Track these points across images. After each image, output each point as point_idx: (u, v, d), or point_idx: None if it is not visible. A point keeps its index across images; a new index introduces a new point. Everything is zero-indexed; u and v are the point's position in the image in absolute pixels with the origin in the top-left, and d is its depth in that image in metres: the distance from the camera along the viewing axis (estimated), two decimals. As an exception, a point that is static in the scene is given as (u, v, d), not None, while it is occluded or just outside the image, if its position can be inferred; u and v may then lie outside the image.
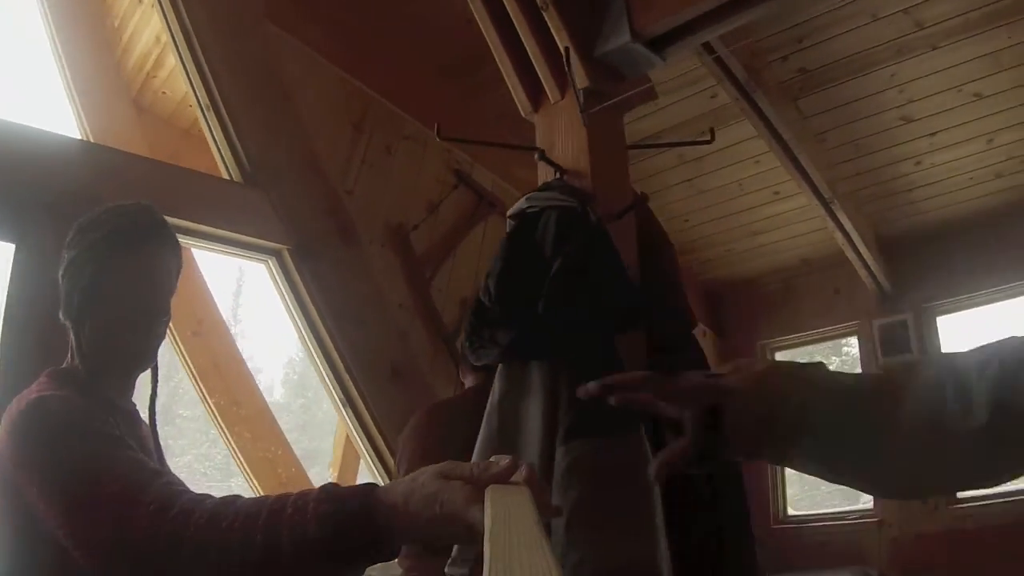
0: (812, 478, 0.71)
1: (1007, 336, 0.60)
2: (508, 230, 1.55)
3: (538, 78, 1.76)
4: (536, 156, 1.69)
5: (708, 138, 1.89)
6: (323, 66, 2.77)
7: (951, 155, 3.63)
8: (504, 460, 0.68)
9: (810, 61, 3.25)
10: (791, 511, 4.55)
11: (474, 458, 1.39)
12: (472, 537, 0.64)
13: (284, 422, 2.60)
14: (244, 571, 0.71)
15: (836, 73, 3.28)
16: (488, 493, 0.64)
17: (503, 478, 0.67)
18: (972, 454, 0.59)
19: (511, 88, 1.85)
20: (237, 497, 0.77)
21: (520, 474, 0.68)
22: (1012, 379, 0.56)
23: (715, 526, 1.44)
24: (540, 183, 1.64)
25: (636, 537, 1.26)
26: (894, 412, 0.62)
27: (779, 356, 4.67)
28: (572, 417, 1.30)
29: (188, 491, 0.80)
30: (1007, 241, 3.82)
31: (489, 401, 1.42)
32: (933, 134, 3.52)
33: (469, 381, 2.19)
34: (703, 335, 4.51)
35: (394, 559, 0.74)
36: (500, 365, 1.42)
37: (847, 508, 4.39)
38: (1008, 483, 0.64)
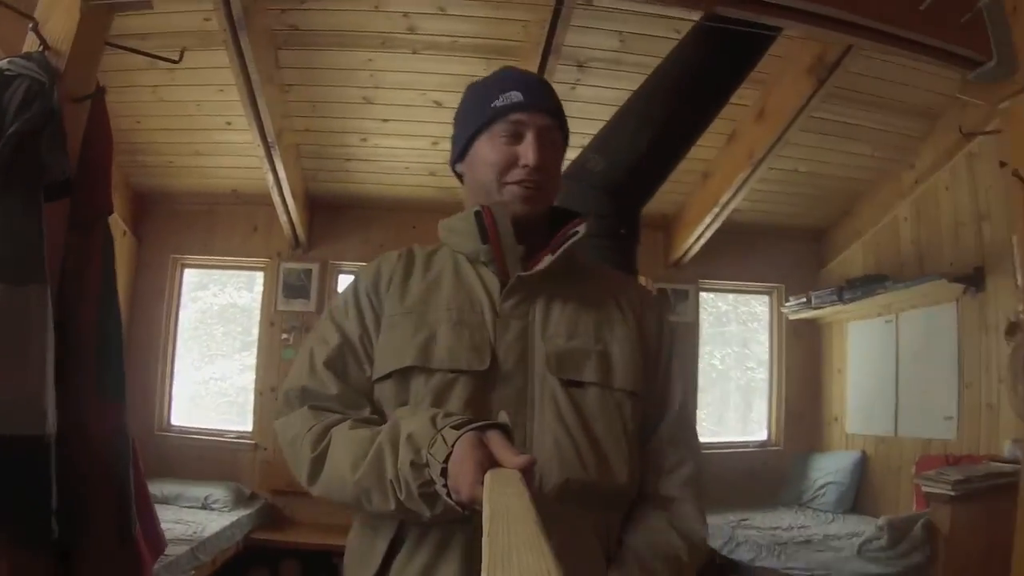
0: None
1: None
2: None
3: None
4: (30, 26, 1.76)
5: (176, 58, 2.08)
6: None
7: (396, 143, 4.04)
8: None
9: (304, 21, 3.23)
10: (175, 422, 4.56)
11: None
12: None
13: None
14: None
15: (323, 40, 3.33)
16: (487, 482, 0.63)
17: None
18: None
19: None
20: None
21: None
22: None
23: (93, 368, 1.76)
24: (24, 51, 1.73)
25: (28, 374, 1.47)
26: None
27: (188, 273, 4.77)
28: None
29: None
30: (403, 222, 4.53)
31: None
32: (386, 120, 3.85)
33: None
34: (123, 235, 4.34)
35: None
36: None
37: (227, 427, 4.58)
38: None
